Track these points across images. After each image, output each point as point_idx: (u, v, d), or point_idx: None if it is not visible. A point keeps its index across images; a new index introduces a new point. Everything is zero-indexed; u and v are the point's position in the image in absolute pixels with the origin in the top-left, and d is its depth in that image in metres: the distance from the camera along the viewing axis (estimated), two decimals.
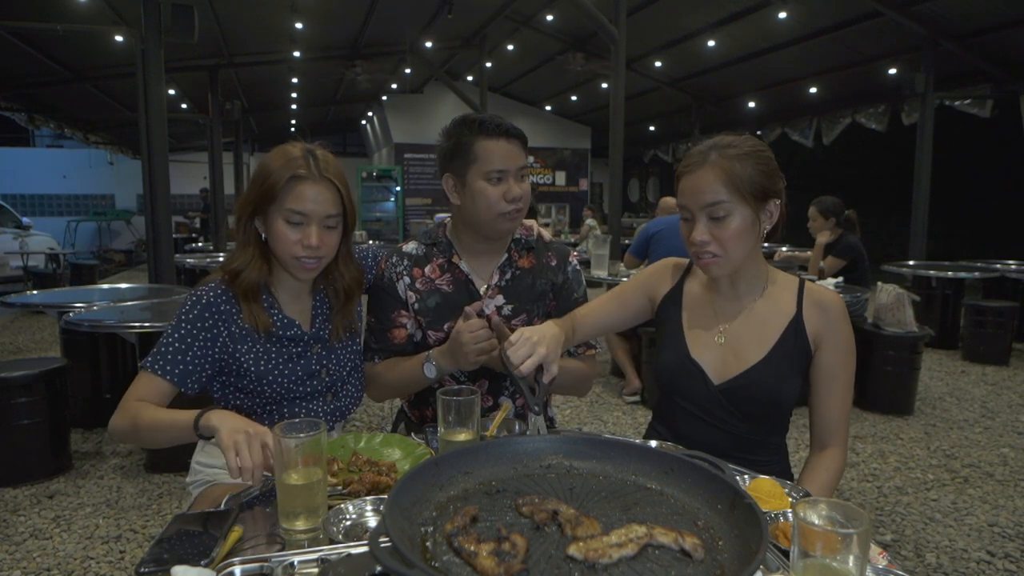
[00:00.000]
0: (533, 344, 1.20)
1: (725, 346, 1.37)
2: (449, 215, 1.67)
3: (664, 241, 4.47)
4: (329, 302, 1.49)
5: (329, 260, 1.40)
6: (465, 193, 1.50)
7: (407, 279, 1.59)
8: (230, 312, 1.36)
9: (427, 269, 1.59)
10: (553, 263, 1.65)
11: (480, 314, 1.43)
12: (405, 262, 1.60)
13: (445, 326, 1.56)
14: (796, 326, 1.34)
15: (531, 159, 1.58)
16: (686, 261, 1.51)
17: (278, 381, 1.39)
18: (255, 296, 1.37)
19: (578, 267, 1.70)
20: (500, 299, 1.58)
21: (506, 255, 1.60)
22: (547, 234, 1.73)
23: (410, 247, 1.63)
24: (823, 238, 4.69)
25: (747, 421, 1.37)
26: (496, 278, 1.59)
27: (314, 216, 1.32)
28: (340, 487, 1.08)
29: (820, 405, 1.36)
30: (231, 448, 1.05)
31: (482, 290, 1.58)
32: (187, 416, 1.18)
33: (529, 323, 1.58)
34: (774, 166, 1.31)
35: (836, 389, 1.35)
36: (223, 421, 1.12)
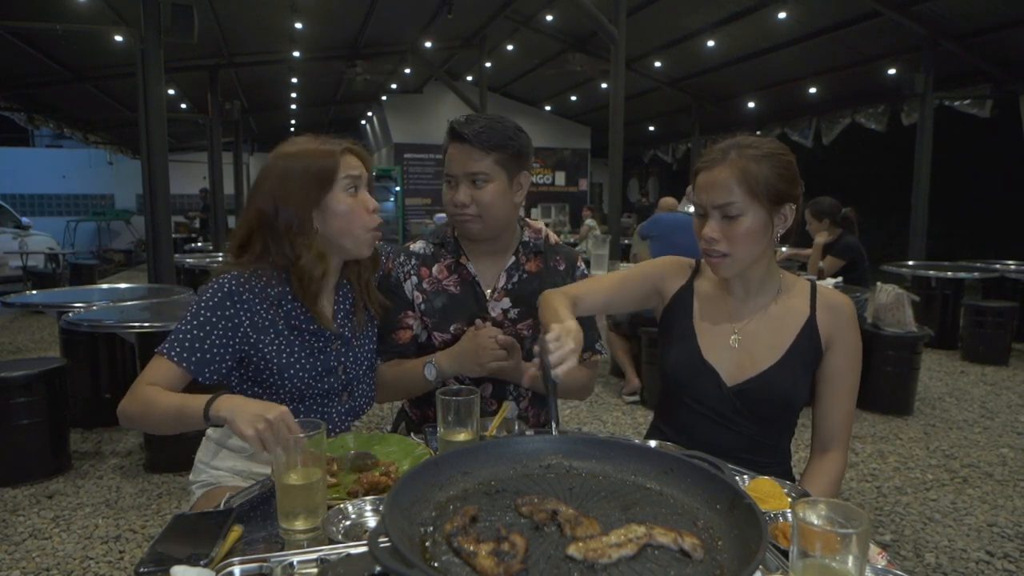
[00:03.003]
0: (570, 351, 1.15)
1: (739, 348, 1.37)
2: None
3: (669, 236, 4.45)
4: (352, 298, 1.49)
5: None
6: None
7: (415, 279, 1.58)
8: (252, 301, 1.34)
9: (434, 269, 1.58)
10: (561, 267, 1.64)
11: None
12: (413, 261, 1.59)
13: (451, 328, 1.54)
14: (810, 328, 1.35)
15: (524, 161, 1.56)
16: (694, 260, 1.50)
17: (299, 376, 1.37)
18: (318, 294, 1.38)
19: (586, 272, 1.68)
20: (507, 302, 1.57)
21: (513, 258, 1.58)
22: (555, 237, 1.71)
23: (418, 246, 1.62)
24: (821, 238, 4.69)
25: (758, 423, 1.37)
26: (503, 281, 1.57)
27: (363, 179, 1.38)
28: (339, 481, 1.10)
29: (825, 407, 1.37)
30: (257, 441, 1.05)
31: (488, 293, 1.57)
32: (196, 404, 1.15)
33: (536, 328, 1.56)
34: (794, 171, 1.30)
35: (842, 392, 1.35)
36: (236, 410, 1.09)
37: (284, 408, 1.08)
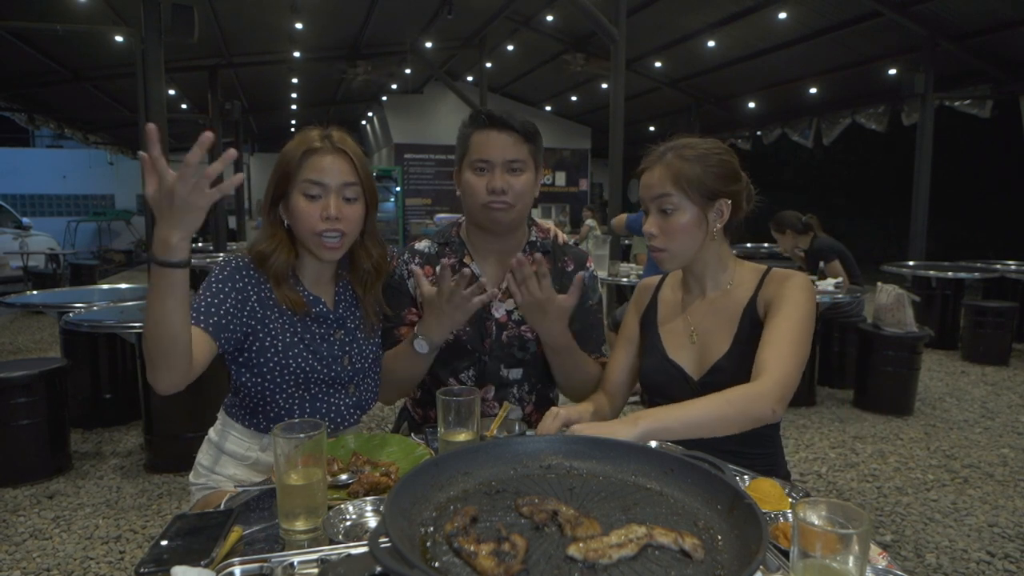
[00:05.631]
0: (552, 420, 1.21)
1: (697, 343, 1.43)
2: (455, 215, 1.65)
3: None
4: (353, 290, 1.49)
5: (352, 239, 1.39)
6: (460, 184, 1.52)
7: None
8: (259, 280, 1.36)
9: (438, 269, 1.58)
10: (570, 268, 1.62)
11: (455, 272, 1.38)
12: (416, 260, 1.59)
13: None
14: (750, 308, 1.39)
15: (542, 157, 1.58)
16: (660, 276, 1.60)
17: (302, 356, 1.37)
18: (285, 279, 1.38)
19: (595, 273, 1.67)
20: (511, 303, 1.55)
21: None
22: (564, 237, 1.70)
23: (422, 245, 1.62)
24: (793, 249, 4.74)
25: None
26: (507, 282, 1.57)
27: (332, 186, 1.33)
28: (344, 476, 1.10)
29: (757, 351, 1.29)
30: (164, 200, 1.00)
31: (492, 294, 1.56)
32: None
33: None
34: (727, 169, 1.38)
35: (774, 337, 1.27)
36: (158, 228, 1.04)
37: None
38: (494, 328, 1.54)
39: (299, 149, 1.35)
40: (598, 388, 1.54)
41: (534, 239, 1.60)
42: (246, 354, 1.38)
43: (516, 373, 1.58)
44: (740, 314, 1.39)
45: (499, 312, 1.55)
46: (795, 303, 1.32)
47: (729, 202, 1.38)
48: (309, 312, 1.40)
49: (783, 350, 1.25)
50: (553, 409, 1.26)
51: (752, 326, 1.37)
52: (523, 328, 1.56)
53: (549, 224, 1.70)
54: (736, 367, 1.36)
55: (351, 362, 1.45)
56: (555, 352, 1.51)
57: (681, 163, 1.35)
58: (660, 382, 1.46)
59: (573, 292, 1.38)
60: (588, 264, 1.66)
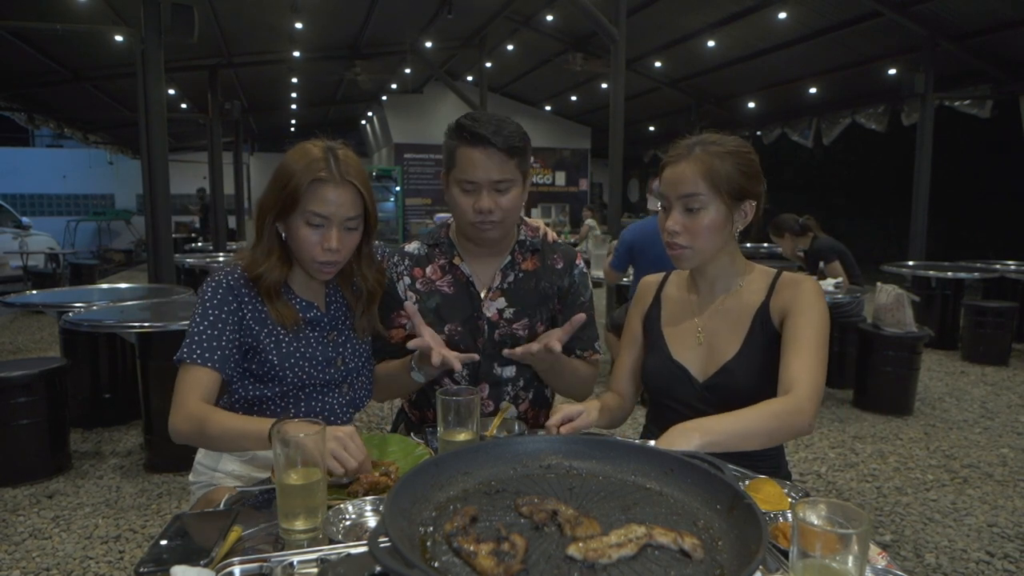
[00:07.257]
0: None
1: (704, 344, 1.41)
2: (451, 215, 1.66)
3: (646, 251, 4.15)
4: (343, 293, 1.50)
5: (345, 262, 1.41)
6: (448, 195, 1.51)
7: (407, 279, 1.58)
8: (250, 295, 1.37)
9: (428, 270, 1.58)
10: (559, 266, 1.62)
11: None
12: (406, 262, 1.59)
13: (445, 328, 1.54)
14: (762, 314, 1.37)
15: (531, 160, 1.56)
16: (662, 275, 1.58)
17: (299, 365, 1.38)
18: (278, 294, 1.38)
19: (585, 270, 1.67)
20: (502, 302, 1.56)
21: (509, 257, 1.57)
22: (553, 235, 1.71)
23: (412, 247, 1.62)
24: (793, 251, 4.74)
25: None
26: (498, 280, 1.56)
27: (335, 219, 1.32)
28: (346, 478, 1.10)
29: (784, 363, 1.29)
30: (333, 461, 1.06)
31: (483, 293, 1.56)
32: (259, 428, 1.17)
33: (532, 327, 1.56)
34: (756, 169, 1.35)
35: (801, 349, 1.28)
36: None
37: (350, 428, 1.12)
38: (486, 327, 1.54)
39: (305, 176, 1.30)
40: (596, 387, 1.55)
41: (523, 238, 1.60)
42: (245, 364, 1.39)
43: (510, 371, 1.58)
44: (751, 317, 1.37)
45: (490, 311, 1.56)
46: (819, 311, 1.32)
47: (754, 203, 1.35)
48: (301, 320, 1.40)
49: (810, 362, 1.26)
50: (556, 407, 1.28)
51: (764, 331, 1.36)
52: (515, 326, 1.56)
53: (539, 223, 1.70)
54: (744, 369, 1.35)
55: (344, 363, 1.46)
56: (546, 370, 1.55)
57: (712, 159, 1.30)
58: (664, 382, 1.44)
59: (567, 328, 1.39)
60: (578, 261, 1.67)
